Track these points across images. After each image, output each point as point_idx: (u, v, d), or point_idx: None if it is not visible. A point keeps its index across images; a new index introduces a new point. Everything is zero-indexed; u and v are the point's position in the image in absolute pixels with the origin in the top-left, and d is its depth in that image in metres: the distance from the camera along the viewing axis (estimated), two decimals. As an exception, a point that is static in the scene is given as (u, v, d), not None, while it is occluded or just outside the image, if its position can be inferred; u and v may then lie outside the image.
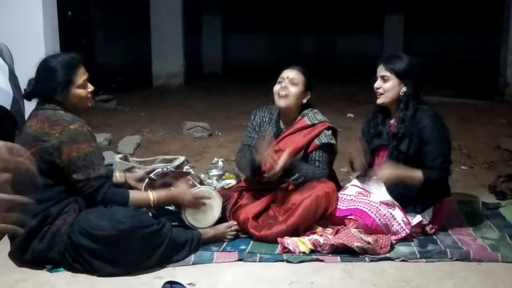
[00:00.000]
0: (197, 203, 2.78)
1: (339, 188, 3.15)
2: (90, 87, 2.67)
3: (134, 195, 2.63)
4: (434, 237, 2.97)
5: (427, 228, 3.00)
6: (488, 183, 3.88)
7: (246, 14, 13.03)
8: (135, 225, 2.46)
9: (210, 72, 11.37)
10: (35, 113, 2.61)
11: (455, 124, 5.42)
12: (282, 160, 2.88)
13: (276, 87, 3.11)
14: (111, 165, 3.79)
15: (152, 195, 2.66)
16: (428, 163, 2.92)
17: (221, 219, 2.91)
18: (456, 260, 2.70)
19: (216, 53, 12.15)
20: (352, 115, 6.30)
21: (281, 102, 3.09)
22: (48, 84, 2.57)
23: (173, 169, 3.18)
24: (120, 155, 4.38)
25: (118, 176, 2.94)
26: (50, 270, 2.53)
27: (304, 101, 3.14)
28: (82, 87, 2.61)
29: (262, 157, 2.89)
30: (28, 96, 2.72)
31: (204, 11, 12.05)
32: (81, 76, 2.61)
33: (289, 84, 3.07)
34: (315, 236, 2.82)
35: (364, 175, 3.08)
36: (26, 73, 2.72)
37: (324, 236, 2.82)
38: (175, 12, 9.09)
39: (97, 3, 11.05)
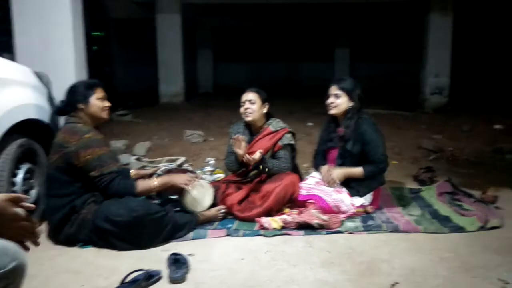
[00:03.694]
0: (190, 182, 2.72)
1: (301, 179, 3.15)
2: (107, 103, 2.64)
3: (140, 184, 2.58)
4: (373, 215, 2.97)
5: (368, 208, 3.00)
6: (412, 174, 3.90)
7: (231, 48, 13.04)
8: (146, 212, 2.42)
9: (204, 92, 11.32)
10: (62, 127, 2.61)
11: (388, 130, 5.47)
12: (256, 154, 2.94)
13: (241, 109, 3.13)
14: (128, 164, 3.75)
15: (154, 181, 2.62)
16: (370, 158, 2.95)
17: (213, 205, 2.89)
18: (389, 232, 2.70)
19: (208, 77, 12.13)
20: (311, 124, 6.32)
21: (247, 118, 3.11)
22: (72, 96, 2.58)
23: (175, 167, 3.16)
24: (135, 157, 4.35)
25: (133, 173, 2.91)
26: (80, 247, 2.49)
27: (264, 111, 3.15)
28: (100, 100, 2.59)
29: (237, 151, 2.96)
30: (58, 111, 2.71)
31: (199, 46, 12.03)
32: (99, 92, 2.61)
33: (249, 104, 3.09)
34: (284, 216, 2.81)
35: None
36: (61, 96, 2.69)
37: (291, 215, 2.81)
38: (177, 47, 9.07)
39: (116, 40, 10.93)
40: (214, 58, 12.45)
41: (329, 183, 2.97)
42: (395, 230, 2.72)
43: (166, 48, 9.02)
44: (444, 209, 3.04)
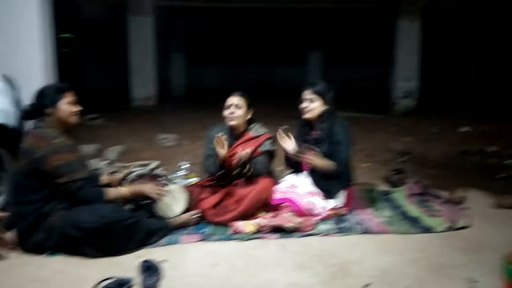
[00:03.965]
0: (160, 194, 2.69)
1: (276, 182, 3.15)
2: (77, 107, 2.57)
3: (109, 191, 2.53)
4: (346, 217, 3.00)
5: (341, 210, 3.03)
6: (383, 176, 3.96)
7: (205, 52, 13.01)
8: (117, 219, 2.38)
9: (178, 95, 11.22)
10: (29, 132, 2.52)
11: (359, 133, 5.55)
12: (238, 155, 2.93)
13: (225, 112, 3.08)
14: (99, 169, 3.67)
15: (123, 190, 2.58)
16: (336, 158, 2.97)
17: (187, 209, 2.86)
18: (361, 233, 2.74)
19: (182, 81, 12.04)
20: (286, 127, 6.34)
21: (231, 123, 3.07)
22: (41, 100, 2.49)
23: (147, 172, 3.11)
24: (106, 161, 4.26)
25: (104, 178, 2.85)
26: (49, 255, 2.41)
27: (249, 117, 3.13)
28: (69, 104, 2.52)
29: (219, 151, 2.92)
30: (26, 115, 2.62)
31: (173, 49, 11.94)
32: (69, 96, 2.53)
33: (235, 109, 3.06)
34: (258, 220, 2.81)
35: (296, 155, 3.03)
36: (28, 100, 2.60)
37: (265, 219, 2.81)
38: (149, 50, 8.97)
39: (87, 42, 10.72)
40: (188, 62, 12.38)
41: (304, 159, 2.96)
42: (367, 231, 2.77)
43: (138, 50, 8.91)
44: (414, 210, 3.11)
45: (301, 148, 3.13)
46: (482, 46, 11.49)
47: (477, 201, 3.36)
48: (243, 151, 2.96)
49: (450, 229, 2.79)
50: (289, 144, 3.08)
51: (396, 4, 8.42)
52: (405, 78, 8.52)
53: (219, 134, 2.98)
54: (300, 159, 3.02)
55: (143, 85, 8.98)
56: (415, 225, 2.85)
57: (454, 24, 11.08)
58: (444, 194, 3.43)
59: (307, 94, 3.06)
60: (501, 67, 10.87)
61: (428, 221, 2.89)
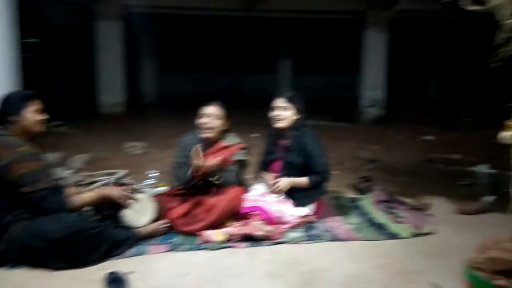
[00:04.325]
0: (128, 199, 2.64)
1: (246, 191, 3.14)
2: (43, 116, 2.50)
3: (75, 199, 2.46)
4: (315, 224, 3.02)
5: (311, 218, 3.05)
6: (352, 183, 4.02)
7: (176, 58, 12.92)
8: (82, 228, 2.31)
9: (147, 102, 11.06)
10: None
11: (329, 141, 5.63)
12: (214, 160, 2.90)
13: (200, 121, 3.03)
14: (63, 178, 3.55)
15: (89, 195, 2.53)
16: (314, 170, 3.01)
17: (156, 218, 2.81)
18: (330, 240, 2.77)
19: (152, 88, 11.89)
20: (256, 135, 6.36)
21: (206, 134, 3.02)
22: (5, 107, 2.41)
23: (114, 181, 3.04)
24: (71, 170, 4.14)
25: (70, 190, 2.76)
26: (11, 268, 2.31)
27: (225, 128, 3.09)
28: (34, 113, 2.44)
29: (196, 163, 2.88)
30: None
31: (143, 56, 11.80)
32: (35, 105, 2.45)
33: (212, 119, 3.02)
34: (228, 229, 2.79)
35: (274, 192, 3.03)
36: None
37: (235, 228, 2.80)
38: (118, 56, 8.80)
39: (53, 49, 10.44)
40: (159, 68, 12.25)
41: (275, 192, 3.00)
42: (336, 238, 2.80)
43: (106, 56, 8.72)
44: (380, 217, 3.17)
45: (270, 157, 3.14)
46: (445, 58, 11.96)
47: (441, 207, 3.47)
48: (212, 160, 2.93)
49: (415, 235, 2.86)
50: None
51: (363, 16, 8.63)
52: (372, 88, 8.72)
53: (197, 146, 2.93)
54: (276, 191, 3.00)
55: (111, 92, 8.78)
56: (381, 231, 2.91)
57: (420, 36, 11.48)
58: (410, 201, 3.53)
59: (280, 102, 3.08)
60: (463, 78, 11.34)
61: (394, 227, 2.96)
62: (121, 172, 3.78)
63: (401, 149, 5.83)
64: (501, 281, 1.83)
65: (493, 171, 4.00)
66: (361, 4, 8.46)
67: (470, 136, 6.38)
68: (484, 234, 2.69)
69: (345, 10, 8.75)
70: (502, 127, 1.82)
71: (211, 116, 3.02)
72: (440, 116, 8.44)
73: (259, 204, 2.95)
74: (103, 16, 8.66)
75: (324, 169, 3.03)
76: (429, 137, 6.56)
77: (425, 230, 2.92)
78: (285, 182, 3.01)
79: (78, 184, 2.99)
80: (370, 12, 8.51)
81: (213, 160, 2.92)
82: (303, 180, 3.01)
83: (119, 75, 8.82)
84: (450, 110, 9.25)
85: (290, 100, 3.08)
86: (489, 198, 3.46)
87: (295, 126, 3.06)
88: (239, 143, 3.11)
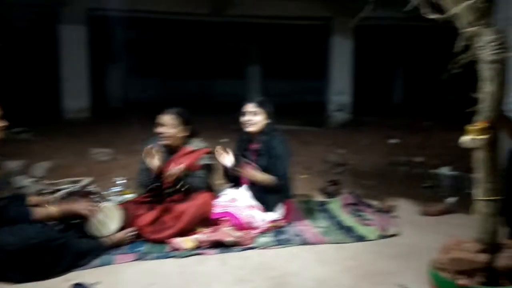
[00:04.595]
0: (92, 211, 2.57)
1: (215, 196, 3.12)
2: (3, 122, 2.40)
3: (37, 211, 2.38)
4: (285, 229, 3.03)
5: (280, 223, 3.06)
6: (319, 187, 4.06)
7: (143, 63, 12.74)
8: (44, 239, 2.23)
9: (113, 107, 10.82)
10: None
11: (298, 145, 5.69)
12: (178, 167, 2.86)
13: (158, 130, 3.00)
14: (25, 187, 3.41)
15: (51, 209, 2.44)
16: (275, 173, 3.03)
17: (123, 227, 2.74)
18: (300, 244, 2.78)
19: (119, 93, 11.65)
20: (226, 140, 6.33)
21: (164, 142, 3.01)
22: None
23: (78, 189, 2.95)
24: (32, 179, 3.98)
25: (32, 199, 2.65)
26: (-34, 283, 2.20)
27: (185, 134, 3.05)
28: None
29: (157, 162, 2.83)
30: None
31: (109, 61, 11.54)
32: None
33: (166, 128, 2.99)
34: (197, 235, 2.76)
35: (235, 170, 3.06)
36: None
37: (205, 234, 2.77)
38: (82, 61, 8.56)
39: (13, 52, 10.06)
40: (125, 73, 12.02)
41: (236, 172, 3.00)
42: (305, 242, 2.81)
43: (70, 61, 8.47)
44: (348, 219, 3.22)
45: (239, 162, 3.14)
46: (409, 63, 12.34)
47: (405, 209, 3.56)
48: (176, 167, 2.89)
49: (381, 237, 2.92)
50: (227, 159, 3.08)
51: (330, 22, 8.79)
52: (339, 92, 8.88)
53: (148, 147, 2.89)
54: (238, 173, 3.03)
55: (76, 97, 8.52)
56: (349, 234, 2.95)
57: (384, 43, 11.80)
58: (376, 203, 3.60)
59: (251, 107, 3.10)
60: (426, 83, 11.73)
61: (362, 230, 3.01)
62: (85, 180, 3.67)
63: (367, 152, 5.95)
64: (464, 281, 1.89)
65: (456, 173, 4.15)
66: (328, 11, 8.62)
67: (433, 139, 6.60)
68: (448, 235, 2.76)
69: (313, 16, 8.89)
70: (464, 131, 1.88)
71: (167, 125, 2.99)
72: (404, 120, 8.68)
73: (229, 209, 2.94)
74: (67, 19, 8.42)
75: (281, 173, 3.05)
76: (394, 141, 6.73)
77: (391, 232, 2.98)
78: (253, 171, 3.02)
79: (40, 193, 2.86)
80: (336, 19, 8.67)
81: (175, 168, 2.88)
82: (267, 177, 3.02)
83: (84, 80, 8.58)
84: (413, 114, 9.54)
85: (260, 105, 3.12)
86: (452, 200, 3.58)
87: (265, 131, 3.11)
88: (205, 147, 3.08)
